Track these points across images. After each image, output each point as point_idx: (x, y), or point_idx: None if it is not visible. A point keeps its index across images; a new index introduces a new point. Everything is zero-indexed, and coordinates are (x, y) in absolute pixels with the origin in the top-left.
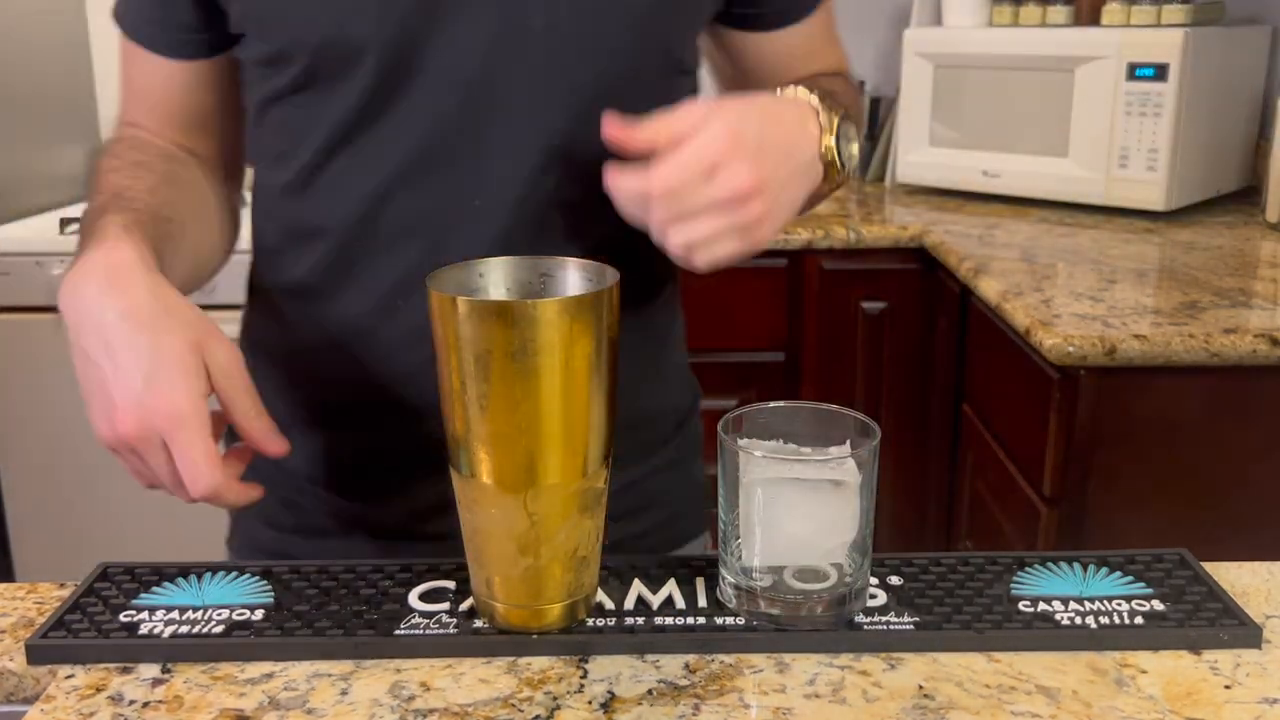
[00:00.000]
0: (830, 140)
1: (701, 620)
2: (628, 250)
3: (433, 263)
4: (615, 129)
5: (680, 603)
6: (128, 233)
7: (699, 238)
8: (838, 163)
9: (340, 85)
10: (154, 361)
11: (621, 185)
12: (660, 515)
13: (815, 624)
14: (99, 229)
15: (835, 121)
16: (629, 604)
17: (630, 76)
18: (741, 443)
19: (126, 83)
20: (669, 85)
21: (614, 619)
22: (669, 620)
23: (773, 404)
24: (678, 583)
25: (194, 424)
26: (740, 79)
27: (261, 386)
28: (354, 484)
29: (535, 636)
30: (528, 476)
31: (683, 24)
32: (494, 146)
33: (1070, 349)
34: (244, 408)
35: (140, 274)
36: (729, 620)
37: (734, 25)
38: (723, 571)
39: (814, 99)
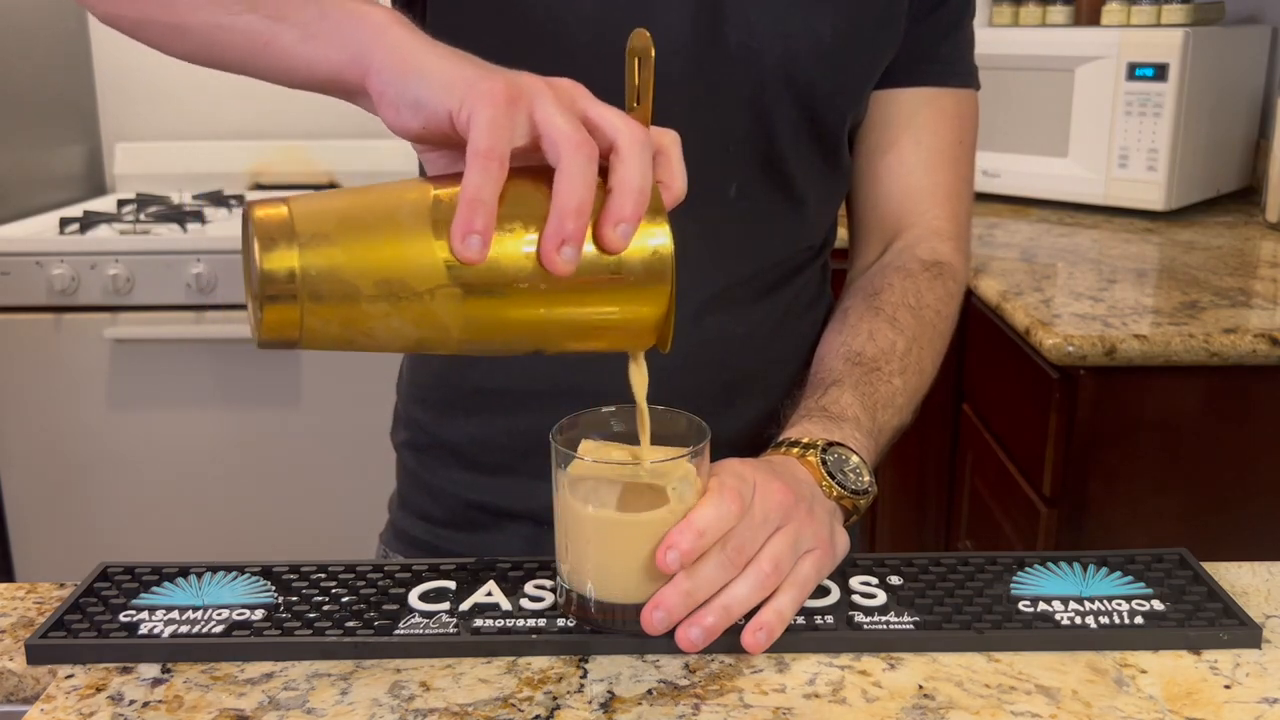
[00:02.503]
0: (829, 483)
1: None
2: (794, 271)
3: None
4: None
5: None
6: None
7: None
8: (846, 494)
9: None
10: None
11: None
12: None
13: (636, 631)
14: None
15: (821, 464)
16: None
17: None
18: (557, 440)
19: None
20: (842, 130)
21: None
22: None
23: (614, 406)
24: None
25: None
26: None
27: (420, 372)
28: (507, 467)
29: (535, 636)
30: None
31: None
32: (689, 142)
33: (1070, 349)
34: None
35: None
36: None
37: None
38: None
39: (807, 456)
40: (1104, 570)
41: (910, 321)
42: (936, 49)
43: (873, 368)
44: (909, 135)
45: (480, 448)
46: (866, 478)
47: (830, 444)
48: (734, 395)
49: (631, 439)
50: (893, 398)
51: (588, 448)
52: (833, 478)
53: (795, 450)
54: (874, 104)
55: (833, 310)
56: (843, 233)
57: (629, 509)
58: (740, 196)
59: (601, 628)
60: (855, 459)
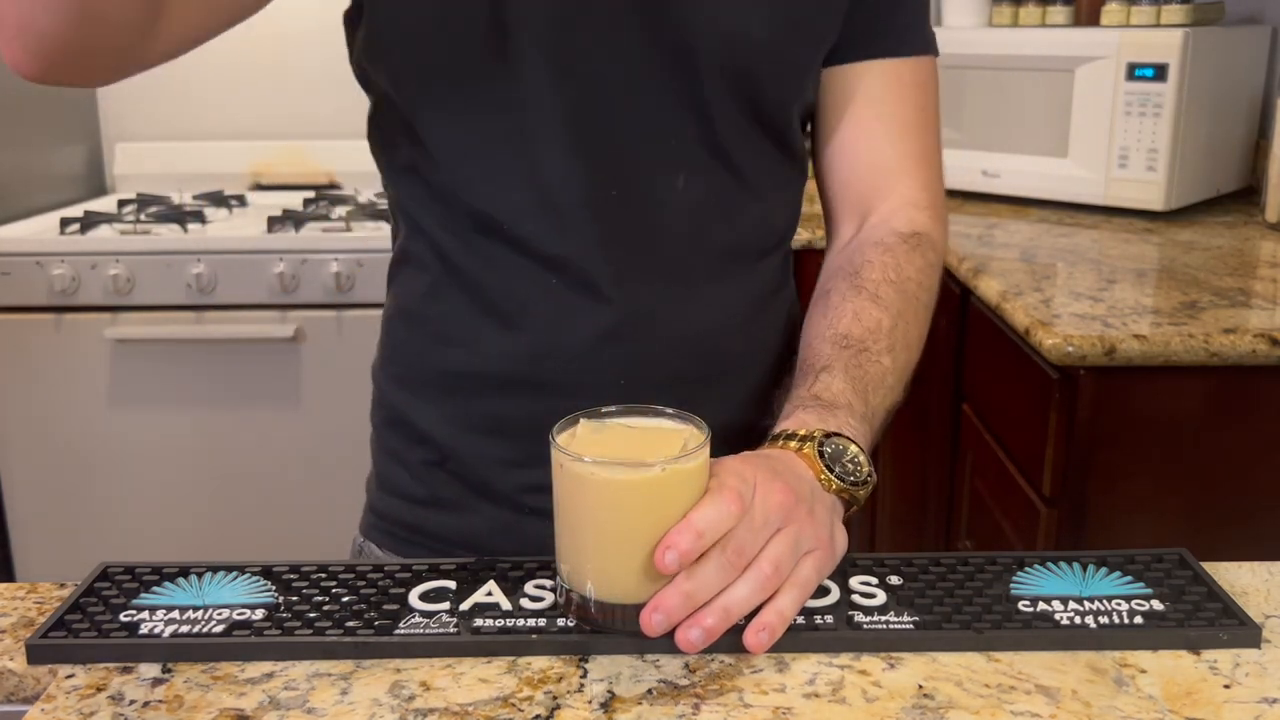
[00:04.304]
0: (828, 477)
1: None
2: (760, 256)
3: (581, 245)
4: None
5: None
6: None
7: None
8: (845, 486)
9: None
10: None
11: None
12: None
13: (636, 630)
14: None
15: (819, 457)
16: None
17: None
18: (558, 440)
19: None
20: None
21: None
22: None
23: (614, 406)
24: None
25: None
26: (814, 128)
27: (404, 351)
28: (485, 450)
29: (535, 636)
30: None
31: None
32: (634, 137)
33: (1070, 349)
34: None
35: None
36: None
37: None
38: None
39: (804, 448)
40: (1104, 570)
41: (894, 297)
42: (890, 20)
43: (861, 349)
44: (871, 109)
45: (451, 429)
46: (866, 467)
47: (828, 435)
48: (702, 387)
49: (630, 428)
50: (883, 378)
51: (586, 429)
52: (831, 470)
53: (793, 443)
54: (832, 81)
55: (813, 294)
56: (804, 233)
57: (629, 508)
58: (689, 187)
59: (601, 628)
60: (854, 448)
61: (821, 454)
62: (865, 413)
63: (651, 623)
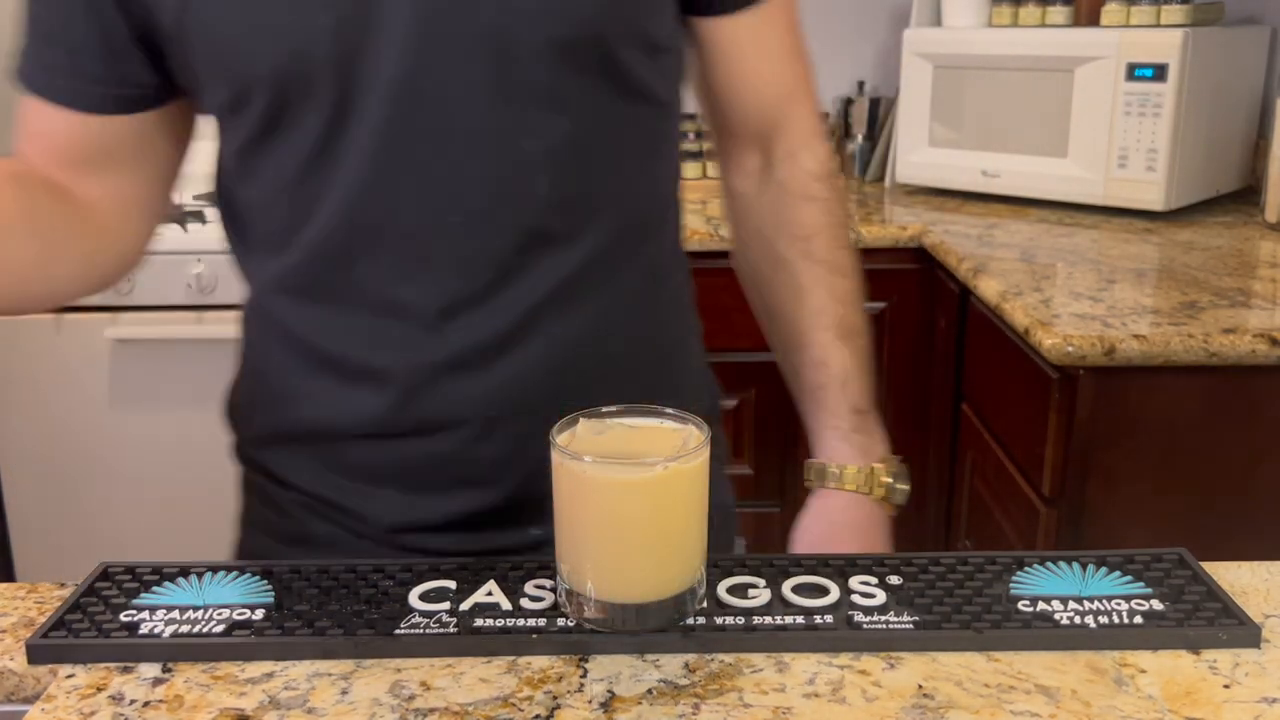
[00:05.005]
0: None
1: (701, 620)
2: (632, 250)
3: (417, 281)
4: None
5: None
6: None
7: None
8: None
9: (302, 116)
10: None
11: None
12: None
13: (636, 630)
14: None
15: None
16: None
17: (595, 64)
18: (558, 440)
19: (22, 124)
20: (642, 65)
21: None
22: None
23: (616, 406)
24: None
25: None
26: (703, 72)
27: (251, 407)
28: (356, 496)
29: (535, 636)
30: None
31: (645, 6)
32: (459, 154)
33: (1069, 349)
34: None
35: None
36: (729, 620)
37: (691, 11)
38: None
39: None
40: (1103, 570)
41: (844, 258)
42: None
43: (853, 331)
44: (754, 49)
45: (317, 477)
46: (902, 486)
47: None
48: (611, 381)
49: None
50: (867, 348)
51: (586, 429)
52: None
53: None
54: (708, 31)
55: (738, 237)
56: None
57: (629, 508)
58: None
59: (601, 627)
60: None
61: (891, 490)
62: (873, 398)
63: None
